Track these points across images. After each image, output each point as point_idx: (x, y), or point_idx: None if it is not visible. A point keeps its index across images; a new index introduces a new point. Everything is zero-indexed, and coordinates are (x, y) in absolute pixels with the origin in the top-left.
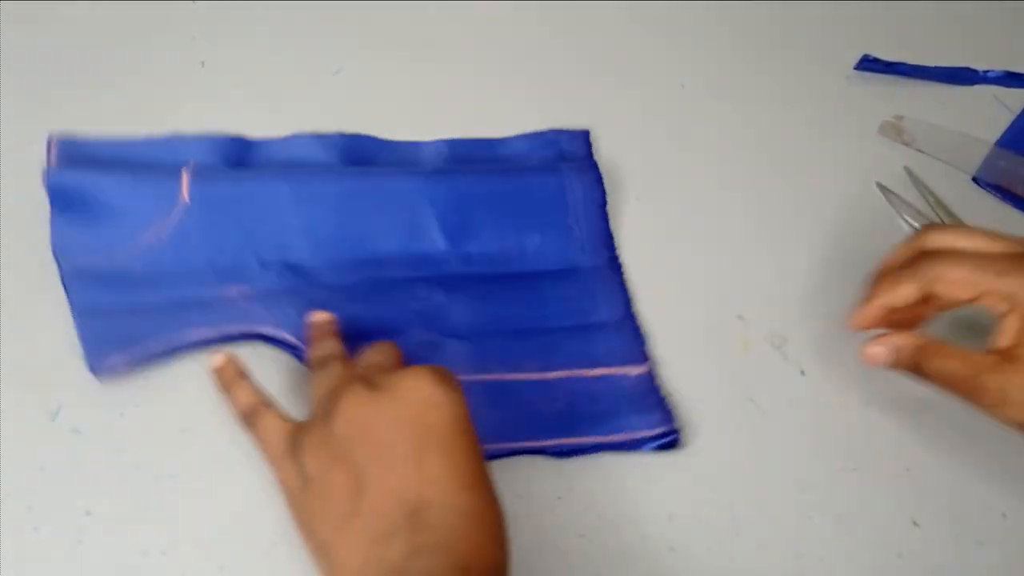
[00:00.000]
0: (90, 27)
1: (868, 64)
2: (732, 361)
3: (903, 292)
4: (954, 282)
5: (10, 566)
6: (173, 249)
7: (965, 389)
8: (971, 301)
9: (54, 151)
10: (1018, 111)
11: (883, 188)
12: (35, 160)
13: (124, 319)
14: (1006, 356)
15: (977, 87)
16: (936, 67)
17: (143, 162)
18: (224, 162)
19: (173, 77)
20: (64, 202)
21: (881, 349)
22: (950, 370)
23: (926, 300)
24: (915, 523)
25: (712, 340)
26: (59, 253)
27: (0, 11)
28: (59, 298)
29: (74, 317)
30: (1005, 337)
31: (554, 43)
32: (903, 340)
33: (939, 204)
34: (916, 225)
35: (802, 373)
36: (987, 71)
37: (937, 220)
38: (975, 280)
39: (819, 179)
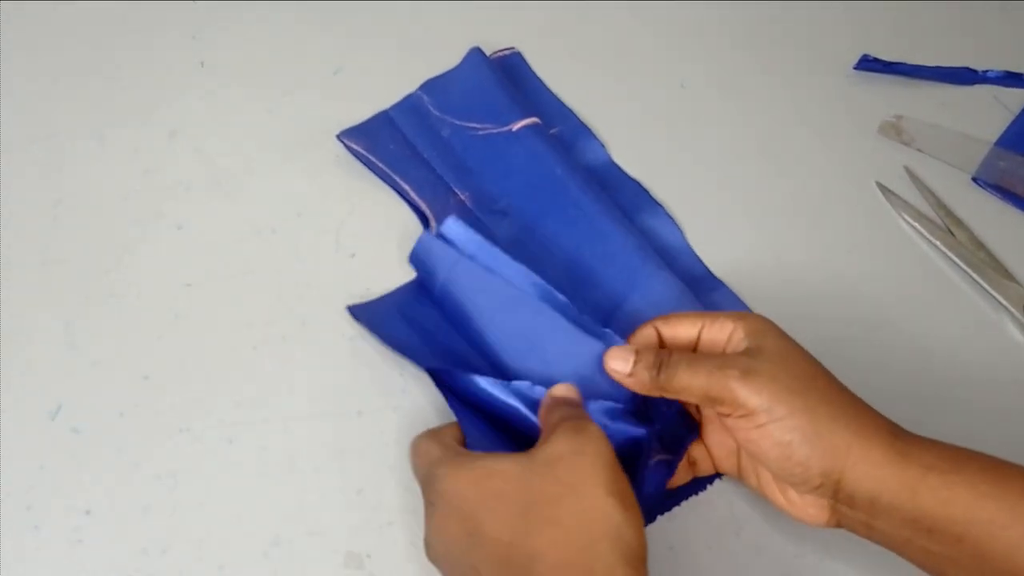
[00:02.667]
0: (90, 27)
1: (868, 64)
2: None
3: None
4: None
5: (10, 566)
6: None
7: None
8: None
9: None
10: (1018, 111)
11: (883, 188)
12: (35, 160)
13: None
14: (749, 353)
15: (977, 87)
16: (936, 67)
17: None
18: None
19: (173, 77)
20: None
21: (620, 358)
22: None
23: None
24: None
25: None
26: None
27: (0, 11)
28: (60, 298)
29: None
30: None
31: (554, 43)
32: (645, 349)
33: (939, 204)
34: (916, 225)
35: None
36: (987, 71)
37: (937, 220)
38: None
39: (819, 179)
